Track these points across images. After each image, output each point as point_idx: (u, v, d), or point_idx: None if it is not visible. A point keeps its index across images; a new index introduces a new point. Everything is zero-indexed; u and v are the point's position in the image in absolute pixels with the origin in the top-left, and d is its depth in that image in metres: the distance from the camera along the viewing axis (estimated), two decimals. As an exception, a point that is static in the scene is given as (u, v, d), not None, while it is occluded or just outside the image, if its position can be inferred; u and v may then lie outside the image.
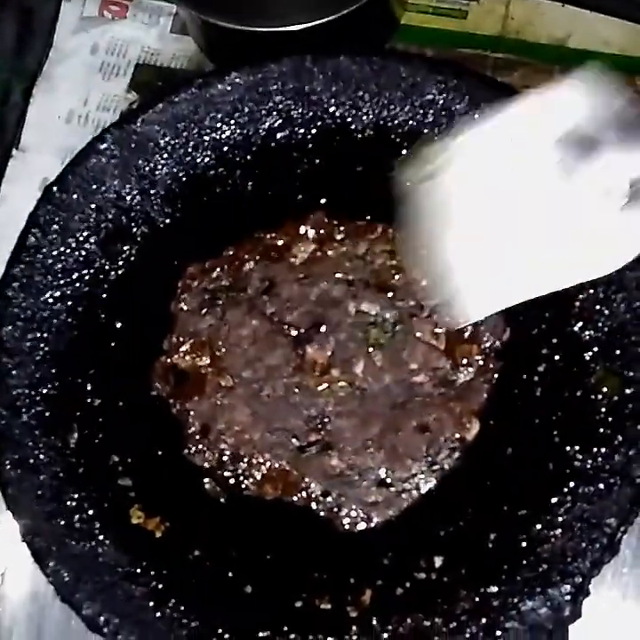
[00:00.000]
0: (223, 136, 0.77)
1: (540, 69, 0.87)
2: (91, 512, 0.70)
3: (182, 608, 0.68)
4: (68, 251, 0.75)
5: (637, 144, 0.60)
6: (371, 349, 0.74)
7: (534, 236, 0.63)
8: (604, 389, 0.69)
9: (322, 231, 0.78)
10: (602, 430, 0.68)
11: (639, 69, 0.85)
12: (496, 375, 0.73)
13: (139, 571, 0.69)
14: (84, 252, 0.75)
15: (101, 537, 0.70)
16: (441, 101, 0.75)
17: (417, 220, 0.66)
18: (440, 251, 0.66)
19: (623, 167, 0.60)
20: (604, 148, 0.60)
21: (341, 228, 0.78)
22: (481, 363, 0.73)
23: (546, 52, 0.88)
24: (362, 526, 0.71)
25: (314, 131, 0.78)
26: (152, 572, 0.69)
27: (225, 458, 0.73)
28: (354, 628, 0.67)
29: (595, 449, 0.68)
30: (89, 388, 0.74)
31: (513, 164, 0.63)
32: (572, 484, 0.68)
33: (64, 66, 0.92)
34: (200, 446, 0.74)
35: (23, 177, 0.89)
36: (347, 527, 0.71)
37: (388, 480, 0.72)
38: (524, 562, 0.66)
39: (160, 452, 0.74)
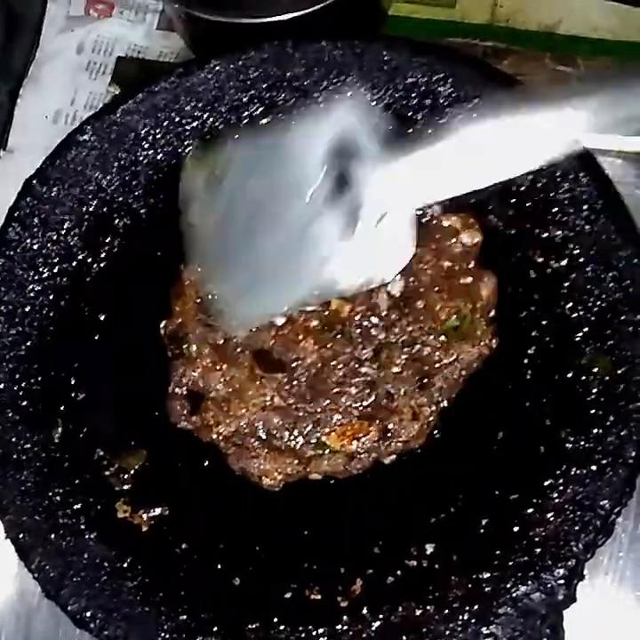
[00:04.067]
0: (205, 125, 0.76)
1: (531, 57, 0.87)
2: (76, 507, 0.70)
3: (170, 602, 0.68)
4: (50, 244, 0.74)
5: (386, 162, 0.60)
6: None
7: (289, 251, 0.63)
8: (595, 370, 0.68)
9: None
10: (593, 411, 0.68)
11: (630, 54, 0.85)
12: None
13: (125, 565, 0.69)
14: (65, 245, 0.75)
15: (87, 532, 0.69)
16: (425, 84, 0.73)
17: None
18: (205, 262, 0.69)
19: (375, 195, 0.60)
20: (360, 175, 0.60)
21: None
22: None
23: (536, 39, 0.88)
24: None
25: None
26: (139, 567, 0.69)
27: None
28: (344, 617, 0.67)
29: (587, 430, 0.67)
30: (73, 382, 0.73)
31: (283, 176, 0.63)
32: (564, 467, 0.67)
33: (50, 66, 0.92)
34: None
35: (10, 178, 0.88)
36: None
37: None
38: (517, 546, 0.66)
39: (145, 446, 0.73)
